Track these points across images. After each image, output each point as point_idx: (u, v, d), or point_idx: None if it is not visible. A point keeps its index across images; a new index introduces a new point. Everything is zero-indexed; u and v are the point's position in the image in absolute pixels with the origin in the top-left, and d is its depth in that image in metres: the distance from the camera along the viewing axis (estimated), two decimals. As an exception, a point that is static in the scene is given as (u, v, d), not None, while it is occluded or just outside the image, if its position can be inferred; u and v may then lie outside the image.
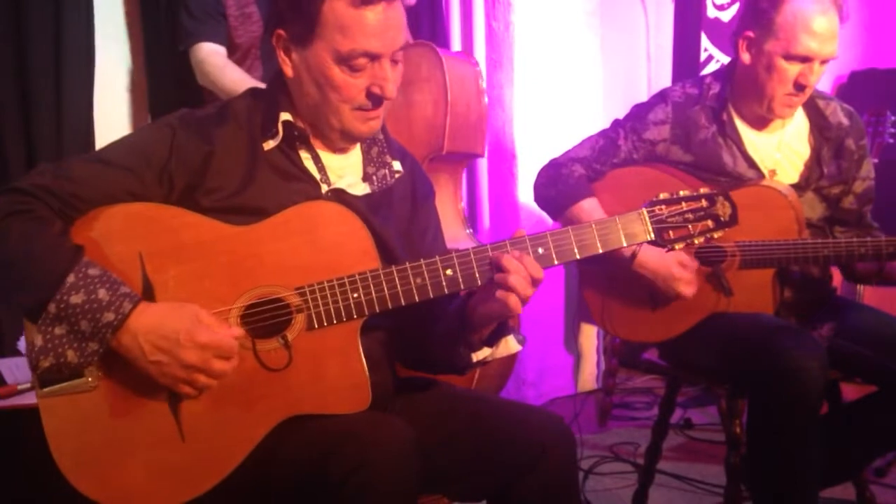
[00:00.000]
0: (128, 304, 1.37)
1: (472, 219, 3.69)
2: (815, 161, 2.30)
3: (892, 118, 3.30)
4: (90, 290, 1.36)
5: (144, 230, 1.46)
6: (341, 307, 1.45)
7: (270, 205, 1.49)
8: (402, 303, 1.47)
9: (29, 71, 2.70)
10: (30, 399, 1.92)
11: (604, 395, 3.56)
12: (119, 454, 1.41)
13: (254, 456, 1.43)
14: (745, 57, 2.22)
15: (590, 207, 2.23)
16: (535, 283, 1.45)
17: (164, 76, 2.98)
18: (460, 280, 1.47)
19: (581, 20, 3.81)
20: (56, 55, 2.73)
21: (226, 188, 1.51)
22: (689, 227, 1.54)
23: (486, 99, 3.00)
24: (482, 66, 3.63)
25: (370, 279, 1.45)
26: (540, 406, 2.40)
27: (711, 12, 4.19)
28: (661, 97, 2.34)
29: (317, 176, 1.58)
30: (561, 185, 2.28)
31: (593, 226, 1.51)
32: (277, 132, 1.56)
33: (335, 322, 1.45)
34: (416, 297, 1.47)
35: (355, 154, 1.65)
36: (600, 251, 1.50)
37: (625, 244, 1.52)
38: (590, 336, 4.00)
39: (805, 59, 2.14)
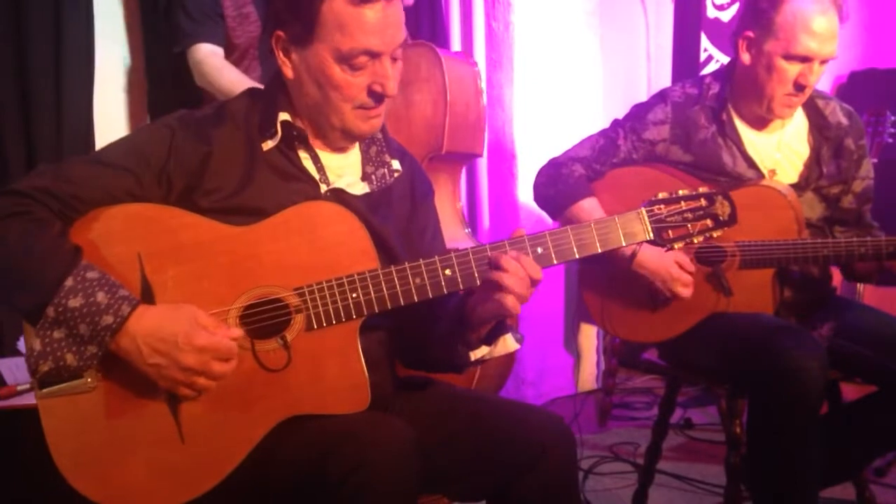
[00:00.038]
0: (126, 307, 1.37)
1: (472, 219, 3.69)
2: (814, 161, 2.30)
3: (892, 118, 3.30)
4: (88, 293, 1.36)
5: (143, 231, 1.46)
6: (340, 307, 1.45)
7: (269, 205, 1.49)
8: (402, 303, 1.46)
9: (29, 71, 2.70)
10: (29, 399, 1.92)
11: (604, 395, 3.56)
12: (118, 454, 1.41)
13: (253, 456, 1.43)
14: (745, 57, 2.22)
15: (589, 207, 2.23)
16: (533, 283, 1.45)
17: (163, 76, 2.98)
18: (459, 280, 1.47)
19: (581, 20, 3.81)
20: (56, 55, 2.73)
21: (224, 189, 1.51)
22: (688, 226, 1.54)
23: (485, 99, 3.00)
24: (482, 66, 3.64)
25: (369, 279, 1.45)
26: (540, 406, 2.40)
27: (711, 12, 4.19)
28: (660, 97, 2.34)
29: (316, 176, 1.58)
30: (560, 184, 2.28)
31: (592, 225, 1.51)
32: (276, 132, 1.56)
33: (334, 322, 1.45)
34: (415, 298, 1.47)
35: (354, 153, 1.65)
36: (599, 251, 1.50)
37: (624, 244, 1.52)
38: (589, 336, 3.99)
39: (805, 59, 2.14)
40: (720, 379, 2.25)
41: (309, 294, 1.45)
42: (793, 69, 2.15)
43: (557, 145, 2.46)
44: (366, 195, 1.60)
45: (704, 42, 4.13)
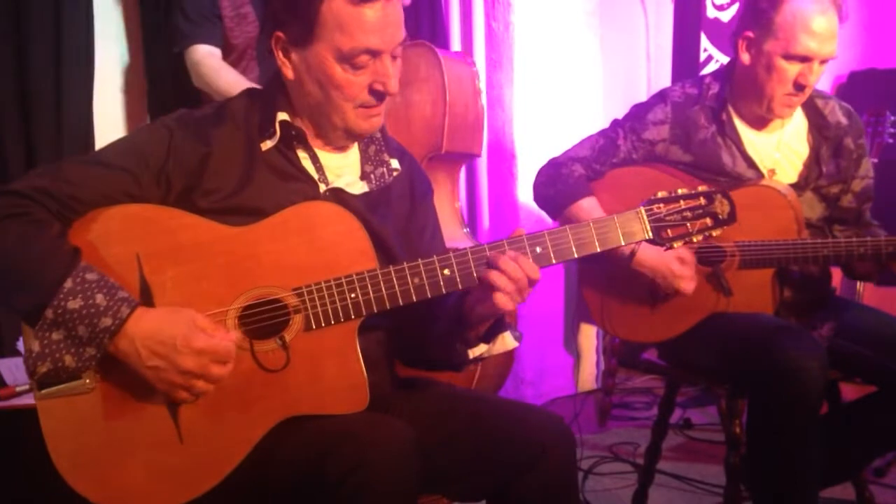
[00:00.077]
0: (125, 309, 1.37)
1: (471, 219, 3.69)
2: (813, 160, 2.30)
3: (892, 118, 3.30)
4: (88, 295, 1.36)
5: (142, 231, 1.45)
6: (339, 308, 1.45)
7: (268, 205, 1.49)
8: (400, 303, 1.46)
9: (29, 71, 2.70)
10: (29, 400, 1.92)
11: (603, 395, 3.56)
12: (117, 456, 1.41)
13: (252, 457, 1.43)
14: (745, 57, 2.22)
15: (589, 206, 2.23)
16: (531, 283, 1.45)
17: (162, 76, 2.98)
18: (458, 280, 1.47)
19: (581, 20, 3.81)
20: (56, 55, 2.73)
21: (223, 189, 1.51)
22: (688, 225, 1.54)
23: (484, 99, 3.00)
24: (482, 67, 3.65)
25: (368, 279, 1.45)
26: (539, 406, 2.40)
27: (711, 12, 4.19)
28: (660, 97, 2.34)
29: (315, 175, 1.58)
30: (560, 184, 2.28)
31: (591, 225, 1.50)
32: (275, 132, 1.56)
33: (333, 322, 1.45)
34: (414, 297, 1.46)
35: (353, 153, 1.65)
36: (598, 250, 1.50)
37: (623, 243, 1.52)
38: (589, 336, 3.99)
39: (804, 59, 2.14)
40: (720, 379, 2.25)
41: (308, 294, 1.45)
42: (792, 69, 2.15)
43: (557, 145, 2.46)
44: (365, 194, 1.60)
45: (704, 42, 4.12)
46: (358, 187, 1.60)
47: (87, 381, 1.40)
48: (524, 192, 3.63)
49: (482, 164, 3.70)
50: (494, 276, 1.43)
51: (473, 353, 1.58)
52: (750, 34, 2.20)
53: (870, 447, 2.24)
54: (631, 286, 2.25)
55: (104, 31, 2.91)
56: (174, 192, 1.50)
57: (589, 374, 4.00)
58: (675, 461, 3.03)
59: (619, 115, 2.39)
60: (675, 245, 1.54)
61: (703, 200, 1.55)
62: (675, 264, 2.15)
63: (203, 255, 1.45)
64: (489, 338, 1.58)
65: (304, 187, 1.56)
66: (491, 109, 3.64)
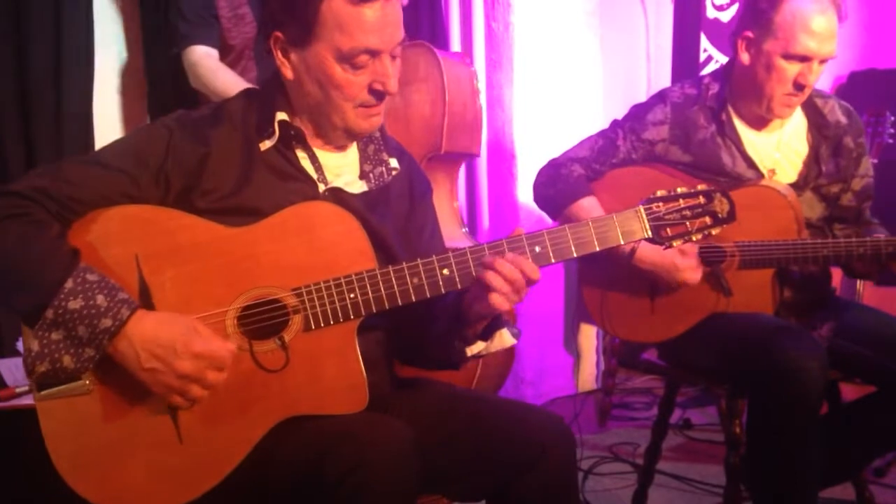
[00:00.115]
0: (126, 311, 1.37)
1: (471, 219, 3.69)
2: (813, 159, 2.30)
3: (892, 118, 3.30)
4: (88, 295, 1.36)
5: (141, 232, 1.45)
6: (338, 308, 1.45)
7: (267, 205, 1.49)
8: (399, 303, 1.46)
9: (29, 71, 2.70)
10: (29, 400, 1.92)
11: (603, 395, 3.55)
12: (117, 456, 1.41)
13: (251, 457, 1.43)
14: (745, 57, 2.22)
15: (588, 206, 2.23)
16: (530, 282, 1.45)
17: (162, 77, 2.98)
18: (457, 280, 1.47)
19: (581, 20, 3.81)
20: (56, 55, 2.73)
21: (222, 189, 1.51)
22: (687, 223, 1.53)
23: (482, 99, 3.00)
24: (482, 67, 3.65)
25: (367, 279, 1.45)
26: (539, 406, 2.40)
27: (711, 13, 4.18)
28: (659, 97, 2.34)
29: (314, 175, 1.58)
30: (560, 184, 2.28)
31: (590, 224, 1.50)
32: (273, 132, 1.56)
33: (332, 323, 1.45)
34: (413, 297, 1.46)
35: (352, 152, 1.65)
36: (597, 249, 1.50)
37: (622, 242, 1.51)
38: (589, 336, 3.99)
39: (804, 59, 2.14)
40: (720, 379, 2.25)
41: (307, 294, 1.45)
42: (792, 69, 2.15)
43: (557, 145, 2.46)
44: (364, 194, 1.60)
45: (704, 42, 4.12)
46: (357, 186, 1.60)
47: (87, 382, 1.40)
48: (524, 192, 3.63)
49: (482, 164, 3.70)
50: (490, 277, 1.43)
51: (471, 350, 1.58)
52: (749, 34, 2.20)
53: (870, 447, 2.24)
54: (631, 286, 2.25)
55: (104, 32, 2.91)
56: (173, 191, 1.50)
57: (589, 374, 4.00)
58: (674, 461, 3.03)
59: (619, 115, 2.39)
60: (675, 244, 1.54)
61: (702, 199, 1.54)
62: (678, 257, 2.14)
63: (202, 255, 1.45)
64: (487, 335, 1.58)
65: (303, 187, 1.56)
66: (491, 109, 3.64)
